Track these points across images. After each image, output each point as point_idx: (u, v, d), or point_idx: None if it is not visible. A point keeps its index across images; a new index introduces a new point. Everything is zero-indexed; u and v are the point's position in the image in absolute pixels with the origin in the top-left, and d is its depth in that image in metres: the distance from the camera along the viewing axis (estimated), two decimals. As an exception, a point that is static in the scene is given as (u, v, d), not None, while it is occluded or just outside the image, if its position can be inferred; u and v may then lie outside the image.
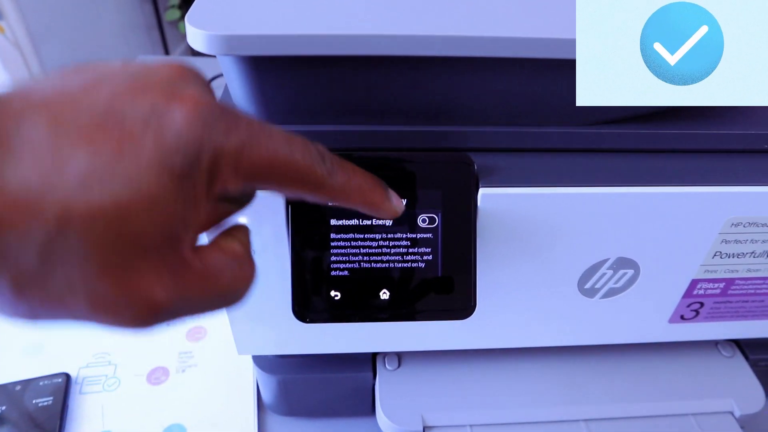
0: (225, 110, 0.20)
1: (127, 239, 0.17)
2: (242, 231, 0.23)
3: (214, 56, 0.28)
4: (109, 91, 0.18)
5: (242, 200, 0.23)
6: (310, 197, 0.23)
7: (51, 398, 0.48)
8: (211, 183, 0.19)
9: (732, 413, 0.43)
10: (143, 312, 0.18)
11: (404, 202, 0.30)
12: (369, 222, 0.31)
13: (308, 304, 0.32)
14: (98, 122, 0.17)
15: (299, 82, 0.30)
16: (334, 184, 0.23)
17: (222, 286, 0.21)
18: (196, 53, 0.31)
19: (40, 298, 0.17)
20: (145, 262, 0.18)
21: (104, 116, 0.17)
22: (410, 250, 0.31)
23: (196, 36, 0.26)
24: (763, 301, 0.39)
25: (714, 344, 0.47)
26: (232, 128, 0.19)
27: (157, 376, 0.51)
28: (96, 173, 0.17)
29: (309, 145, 0.22)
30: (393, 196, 0.27)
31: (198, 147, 0.18)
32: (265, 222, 0.31)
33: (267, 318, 0.37)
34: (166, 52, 2.43)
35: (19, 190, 0.16)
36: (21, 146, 0.16)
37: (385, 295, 0.32)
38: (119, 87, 0.18)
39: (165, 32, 2.40)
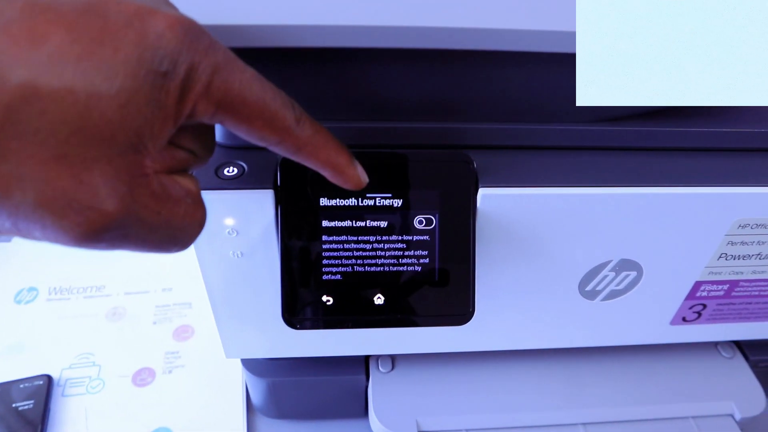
0: (207, 34, 0.20)
1: (92, 132, 0.17)
2: (194, 178, 0.23)
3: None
4: None
5: (200, 153, 0.23)
6: (276, 145, 0.23)
7: (32, 401, 0.46)
8: (183, 97, 0.19)
9: (732, 416, 0.42)
10: (90, 220, 0.17)
11: (400, 202, 0.29)
12: (363, 223, 0.29)
13: (299, 310, 0.30)
14: (80, 12, 0.17)
15: (288, 76, 0.28)
16: (300, 134, 0.23)
17: (175, 216, 0.20)
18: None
19: None
20: (105, 163, 0.17)
21: (86, 10, 0.17)
22: (406, 253, 0.30)
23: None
24: (767, 302, 0.38)
25: (714, 345, 0.46)
26: (210, 50, 0.19)
27: (143, 377, 0.50)
28: (72, 55, 0.16)
29: (281, 92, 0.22)
30: (359, 166, 0.26)
31: (177, 53, 0.18)
32: (254, 223, 0.30)
33: (255, 321, 0.35)
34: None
35: None
36: None
37: (379, 300, 0.30)
38: None
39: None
